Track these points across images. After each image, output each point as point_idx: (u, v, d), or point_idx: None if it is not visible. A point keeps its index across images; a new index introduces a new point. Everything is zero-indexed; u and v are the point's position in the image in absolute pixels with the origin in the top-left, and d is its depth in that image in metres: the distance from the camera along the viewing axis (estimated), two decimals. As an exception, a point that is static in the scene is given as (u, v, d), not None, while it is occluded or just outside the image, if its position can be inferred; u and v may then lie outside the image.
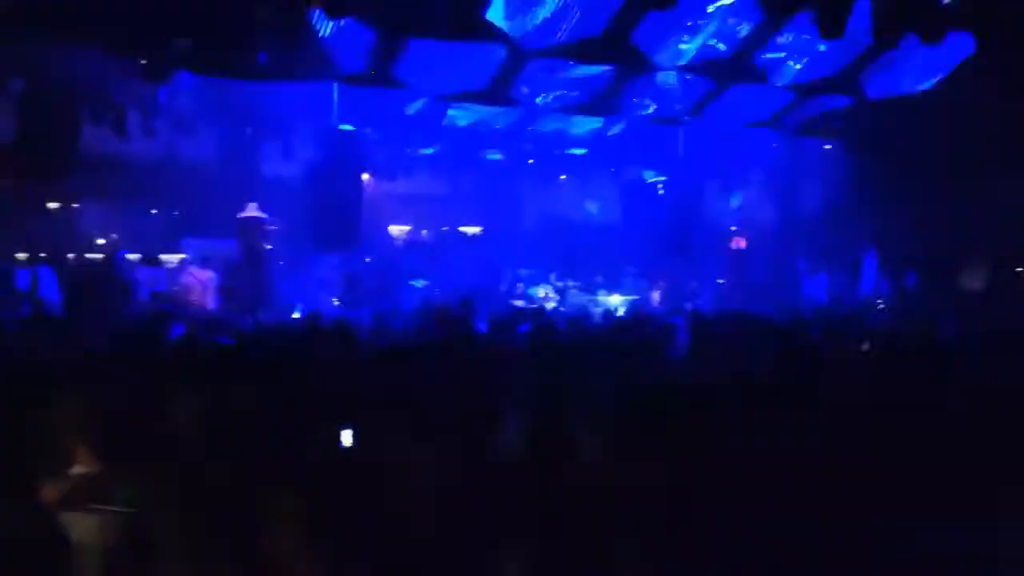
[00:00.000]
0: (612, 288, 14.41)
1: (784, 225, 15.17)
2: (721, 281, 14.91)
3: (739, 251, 15.62)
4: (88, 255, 11.67)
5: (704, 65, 10.13)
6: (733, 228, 15.46)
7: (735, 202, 15.74)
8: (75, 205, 14.34)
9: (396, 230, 17.64)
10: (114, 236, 14.43)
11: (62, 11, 7.81)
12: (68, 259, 11.17)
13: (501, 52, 9.60)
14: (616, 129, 12.90)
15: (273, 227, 12.30)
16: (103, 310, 8.96)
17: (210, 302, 10.76)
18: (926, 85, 10.36)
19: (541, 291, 14.44)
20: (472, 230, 17.71)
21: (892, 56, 9.82)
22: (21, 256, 10.61)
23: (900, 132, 11.53)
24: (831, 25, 8.51)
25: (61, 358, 4.67)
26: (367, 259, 13.58)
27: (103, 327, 6.96)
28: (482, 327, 7.88)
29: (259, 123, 11.91)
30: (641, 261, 14.82)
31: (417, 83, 10.27)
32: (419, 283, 13.47)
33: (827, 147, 13.61)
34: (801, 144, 13.40)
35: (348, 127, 11.28)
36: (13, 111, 9.53)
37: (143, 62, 9.35)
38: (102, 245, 13.59)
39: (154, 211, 12.97)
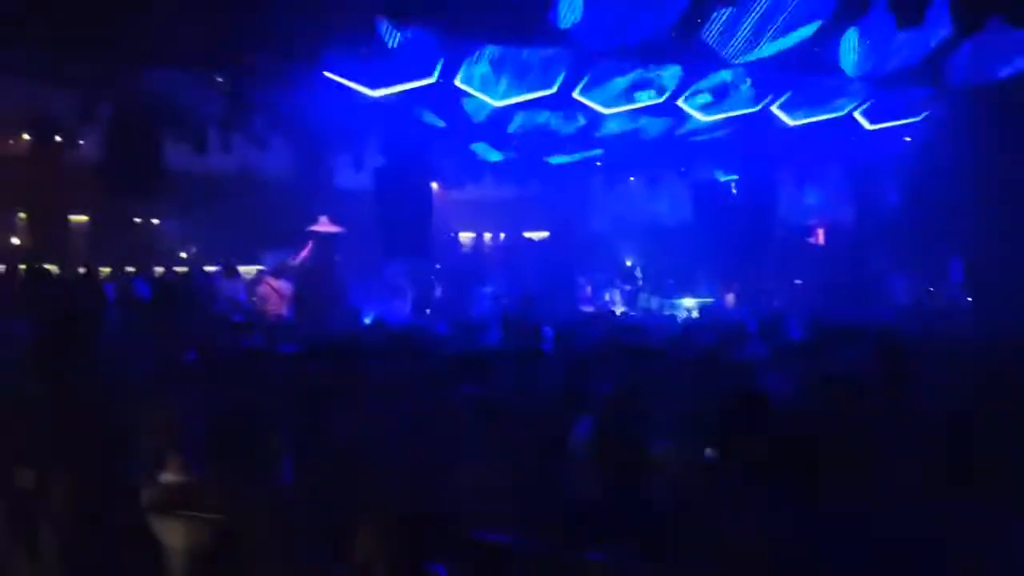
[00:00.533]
0: (684, 291, 14.17)
1: (863, 224, 14.67)
2: (798, 282, 14.49)
3: (816, 251, 15.15)
4: (170, 268, 12.09)
5: (778, 59, 9.84)
6: (812, 223, 14.97)
7: (811, 199, 15.28)
8: (155, 221, 14.94)
9: (465, 236, 17.78)
10: (194, 249, 14.99)
11: (143, 35, 8.11)
12: (153, 271, 11.59)
13: (568, 55, 9.54)
14: (684, 129, 12.68)
15: (344, 237, 12.54)
16: (184, 320, 9.25)
17: (285, 311, 11.01)
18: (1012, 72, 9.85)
19: (610, 295, 14.31)
20: (540, 235, 17.70)
21: (976, 42, 9.35)
22: (105, 270, 11.06)
23: (985, 123, 10.99)
24: (909, 12, 8.20)
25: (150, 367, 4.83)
26: (437, 266, 13.70)
27: (183, 337, 7.17)
28: (548, 332, 7.83)
29: (331, 135, 12.14)
30: (714, 263, 14.51)
31: (485, 89, 10.30)
32: (488, 289, 13.52)
33: (907, 139, 13.07)
34: (880, 138, 12.89)
35: (416, 136, 11.40)
36: (101, 132, 9.98)
37: (220, 80, 9.65)
38: (183, 258, 14.11)
39: (232, 224, 13.35)
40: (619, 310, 12.88)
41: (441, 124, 11.51)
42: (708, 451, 3.85)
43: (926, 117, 11.81)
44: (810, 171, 14.85)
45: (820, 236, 14.56)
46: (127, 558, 2.65)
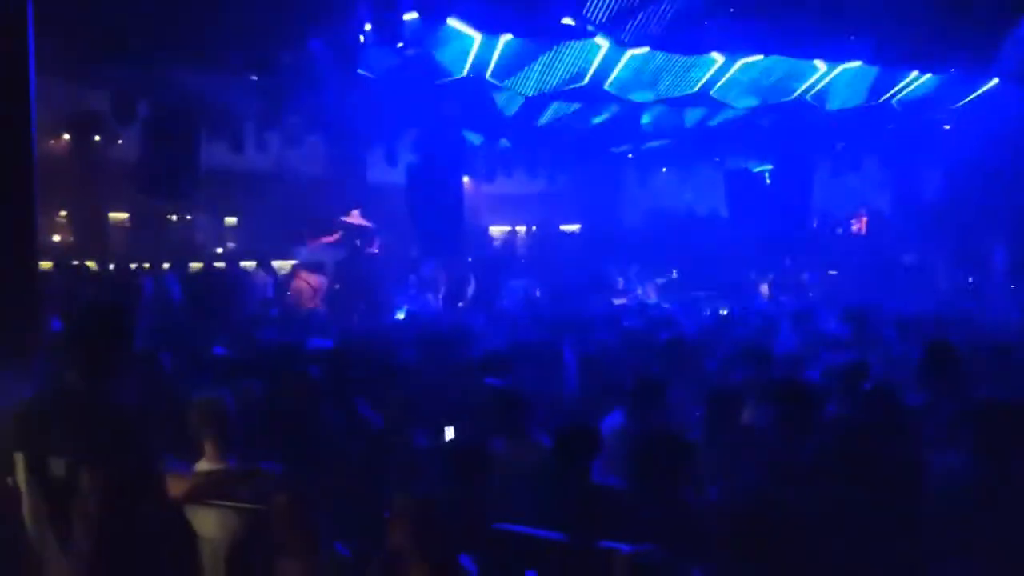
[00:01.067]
0: (718, 283, 13.98)
1: (901, 214, 14.39)
2: (833, 272, 14.26)
3: (855, 240, 14.87)
4: (209, 263, 12.27)
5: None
6: (858, 212, 14.65)
7: (850, 188, 15.01)
8: (188, 217, 15.19)
9: (497, 230, 17.77)
10: (231, 244, 15.20)
11: (179, 34, 8.22)
12: (189, 267, 11.77)
13: (599, 47, 9.48)
14: (718, 119, 12.54)
15: (377, 231, 12.61)
16: (218, 314, 9.39)
17: (320, 305, 11.11)
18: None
19: (643, 288, 14.20)
20: (572, 228, 17.64)
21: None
22: (145, 265, 11.26)
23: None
24: None
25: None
26: (469, 259, 13.73)
27: (217, 330, 7.28)
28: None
29: (363, 131, 12.21)
30: (749, 254, 14.31)
31: (515, 82, 10.28)
32: (520, 282, 13.48)
33: (947, 127, 12.77)
34: (917, 126, 12.61)
35: (448, 130, 11.42)
36: (139, 131, 10.15)
37: (254, 78, 9.75)
38: (220, 253, 14.31)
39: (267, 220, 13.52)
40: (652, 302, 12.76)
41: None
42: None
43: (968, 104, 11.51)
44: (848, 159, 14.60)
45: (862, 225, 14.21)
46: (161, 548, 2.69)
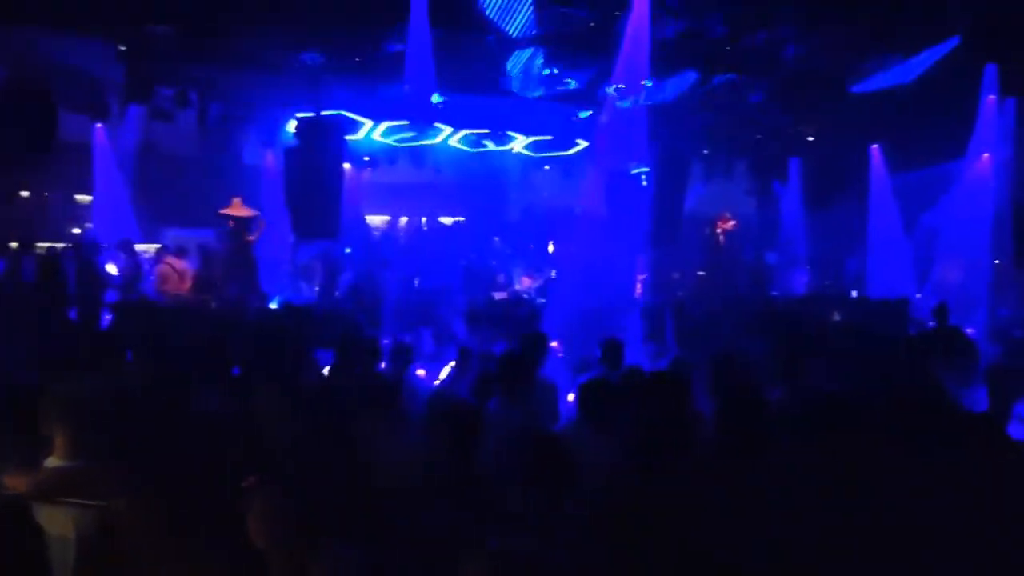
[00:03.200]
0: (596, 279, 14.33)
1: (762, 216, 15.28)
2: (702, 273, 14.94)
3: (719, 242, 15.62)
4: (59, 244, 11.47)
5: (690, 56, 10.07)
6: (725, 216, 15.38)
7: (719, 194, 15.76)
8: (46, 194, 14.15)
9: (377, 220, 17.51)
10: (88, 225, 14.26)
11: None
12: (38, 248, 10.96)
13: (489, 41, 9.50)
14: (586, 115, 12.77)
15: (257, 219, 12.15)
16: (64, 297, 8.83)
17: (185, 291, 10.62)
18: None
19: (523, 282, 14.37)
20: (455, 220, 17.62)
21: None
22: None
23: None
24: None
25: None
26: (347, 250, 13.47)
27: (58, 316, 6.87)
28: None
29: (239, 110, 11.73)
30: (625, 253, 14.77)
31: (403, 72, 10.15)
32: (397, 274, 13.35)
33: (810, 139, 13.63)
34: (786, 134, 13.41)
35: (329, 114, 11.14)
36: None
37: (122, 47, 9.18)
38: (76, 234, 13.40)
39: (133, 200, 12.78)
40: (531, 296, 12.95)
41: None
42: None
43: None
44: (719, 166, 15.30)
45: (728, 224, 14.93)
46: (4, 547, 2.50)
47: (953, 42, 9.34)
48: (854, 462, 2.93)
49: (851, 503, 2.70)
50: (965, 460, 2.96)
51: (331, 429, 3.71)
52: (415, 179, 16.44)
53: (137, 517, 2.63)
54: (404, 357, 5.65)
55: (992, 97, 10.60)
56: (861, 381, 4.43)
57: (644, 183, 14.97)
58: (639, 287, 14.31)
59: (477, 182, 16.80)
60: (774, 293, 12.68)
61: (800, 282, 13.74)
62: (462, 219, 17.51)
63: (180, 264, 10.89)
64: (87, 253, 10.38)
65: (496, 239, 15.89)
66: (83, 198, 14.46)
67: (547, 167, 16.88)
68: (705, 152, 14.80)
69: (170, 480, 2.71)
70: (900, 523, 2.64)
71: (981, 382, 4.37)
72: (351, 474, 3.03)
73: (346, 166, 12.90)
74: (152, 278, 10.79)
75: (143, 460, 2.88)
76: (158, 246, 11.61)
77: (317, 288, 12.34)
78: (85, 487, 2.82)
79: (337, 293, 12.05)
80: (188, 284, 10.79)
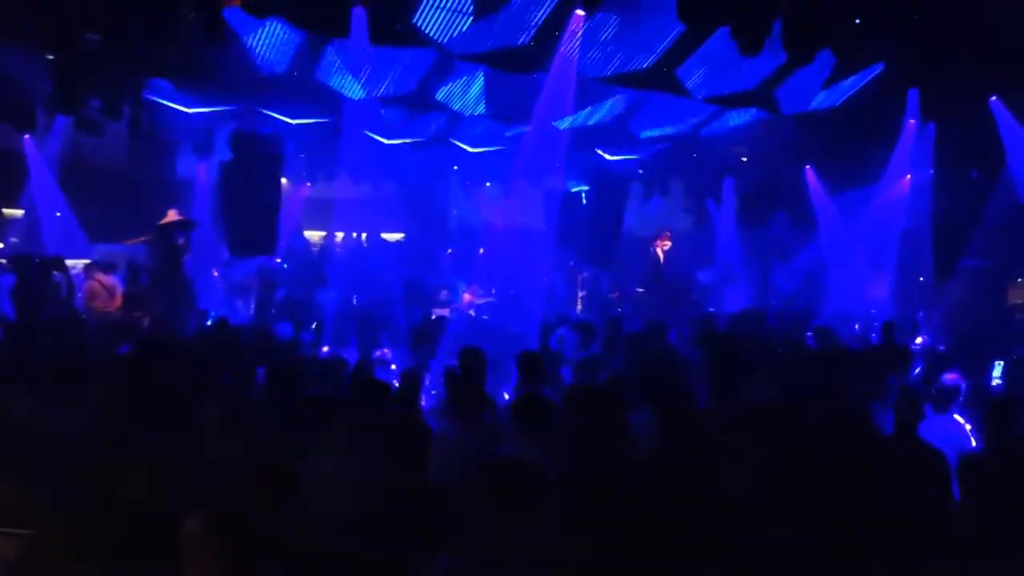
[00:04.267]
0: (539, 295, 14.41)
1: (698, 235, 15.64)
2: (640, 290, 15.14)
3: (658, 260, 15.86)
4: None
5: (627, 77, 10.22)
6: (664, 233, 15.62)
7: (656, 212, 16.05)
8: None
9: (315, 236, 17.26)
10: (13, 239, 13.69)
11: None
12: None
13: (429, 57, 9.51)
14: (518, 131, 12.83)
15: (192, 233, 11.82)
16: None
17: (115, 308, 10.29)
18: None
19: (465, 298, 14.32)
20: (395, 236, 17.46)
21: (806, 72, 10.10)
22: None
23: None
24: (749, 42, 8.73)
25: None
26: (284, 265, 13.25)
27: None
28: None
29: (173, 121, 11.46)
30: (565, 271, 14.93)
31: (343, 86, 10.08)
32: (333, 291, 13.15)
33: (744, 160, 14.01)
34: (721, 155, 13.75)
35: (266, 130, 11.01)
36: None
37: (50, 57, 8.90)
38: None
39: (59, 214, 12.34)
40: (473, 313, 12.90)
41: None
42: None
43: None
44: (657, 184, 15.60)
45: (666, 244, 15.15)
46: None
47: (877, 68, 9.69)
48: (779, 465, 3.06)
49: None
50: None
51: (265, 451, 3.64)
52: (354, 195, 16.27)
53: (62, 545, 2.52)
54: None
55: (913, 121, 11.06)
56: (783, 393, 4.64)
57: (584, 201, 15.21)
58: (579, 304, 14.47)
59: (418, 197, 16.73)
60: (710, 309, 12.95)
61: (735, 298, 14.06)
62: (402, 235, 17.39)
63: (109, 280, 10.54)
64: (23, 268, 9.99)
65: (449, 251, 15.87)
66: (10, 212, 13.93)
67: (488, 184, 16.94)
68: (640, 172, 15.10)
69: (97, 506, 2.61)
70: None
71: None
72: (286, 498, 2.97)
73: (284, 181, 12.75)
74: (80, 295, 10.42)
75: (69, 486, 2.77)
76: (86, 262, 11.21)
77: (253, 305, 12.08)
78: (8, 515, 2.71)
79: (273, 311, 11.81)
80: (118, 301, 10.45)
